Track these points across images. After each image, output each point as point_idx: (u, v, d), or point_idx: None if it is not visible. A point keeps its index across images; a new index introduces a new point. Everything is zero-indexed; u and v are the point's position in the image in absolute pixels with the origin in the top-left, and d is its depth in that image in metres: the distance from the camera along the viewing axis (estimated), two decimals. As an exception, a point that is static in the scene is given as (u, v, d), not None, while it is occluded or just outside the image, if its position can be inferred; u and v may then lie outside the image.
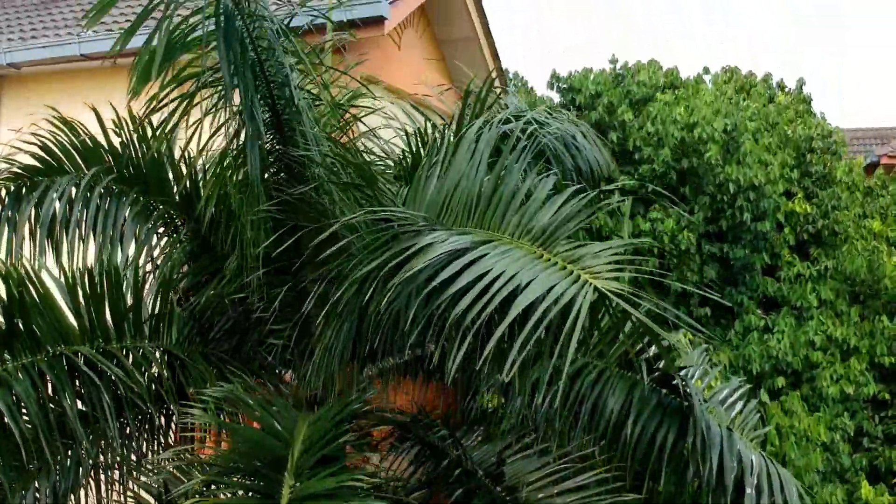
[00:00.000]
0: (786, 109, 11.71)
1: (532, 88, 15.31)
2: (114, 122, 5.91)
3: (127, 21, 8.78)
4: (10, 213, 5.81)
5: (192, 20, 4.60)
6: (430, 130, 6.86)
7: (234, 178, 5.02)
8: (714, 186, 7.56)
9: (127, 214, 5.86)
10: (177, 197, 5.92)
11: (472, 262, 3.69)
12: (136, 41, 8.31)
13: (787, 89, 13.71)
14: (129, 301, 5.20)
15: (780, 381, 7.67)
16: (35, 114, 8.86)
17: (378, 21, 7.28)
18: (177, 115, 5.15)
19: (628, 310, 3.25)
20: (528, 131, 6.85)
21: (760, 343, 7.67)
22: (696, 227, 7.53)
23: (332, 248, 4.55)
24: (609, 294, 3.31)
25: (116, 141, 5.96)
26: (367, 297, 4.10)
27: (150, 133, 5.70)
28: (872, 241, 10.38)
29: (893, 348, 8.42)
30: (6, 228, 5.66)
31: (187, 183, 5.87)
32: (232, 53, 4.30)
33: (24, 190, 5.89)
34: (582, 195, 3.86)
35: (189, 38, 4.66)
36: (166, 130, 5.19)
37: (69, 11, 9.81)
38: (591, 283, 3.37)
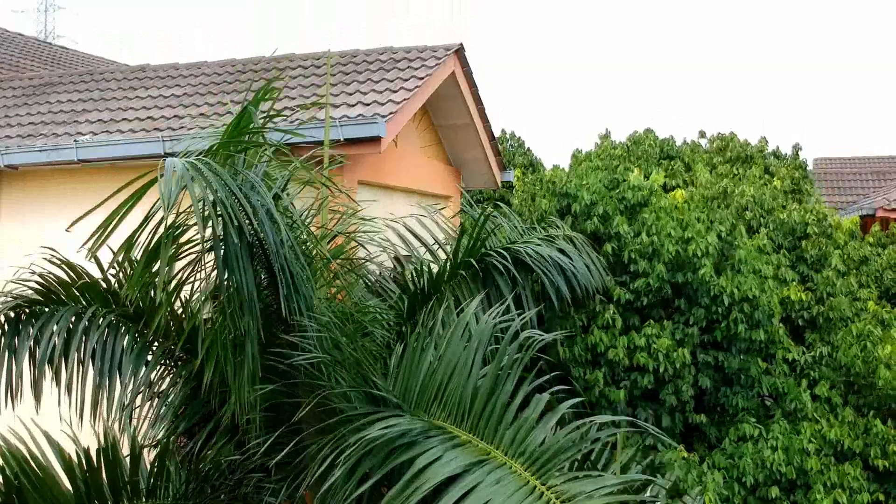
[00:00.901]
0: (782, 187, 11.73)
1: (529, 149, 15.38)
2: (112, 265, 5.93)
3: (123, 120, 8.80)
4: (10, 340, 5.88)
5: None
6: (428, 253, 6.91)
7: (229, 346, 5.04)
8: (708, 298, 7.62)
9: (125, 347, 5.91)
10: (176, 335, 5.94)
11: (467, 493, 3.74)
12: (136, 149, 8.29)
13: (784, 156, 13.79)
14: (126, 464, 5.25)
15: (774, 491, 7.71)
16: (35, 206, 8.91)
17: (375, 140, 7.32)
18: (178, 267, 5.25)
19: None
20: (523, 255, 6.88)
21: (755, 452, 7.72)
22: (692, 339, 7.58)
23: (329, 414, 4.62)
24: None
25: (114, 279, 6.02)
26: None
27: (148, 275, 5.74)
28: (868, 324, 10.42)
29: (887, 450, 8.46)
30: (6, 355, 5.75)
31: (184, 325, 5.90)
32: (229, 268, 4.34)
33: (23, 317, 5.96)
34: (577, 423, 3.89)
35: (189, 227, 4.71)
36: (169, 292, 5.25)
37: (66, 99, 9.82)
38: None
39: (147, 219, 4.18)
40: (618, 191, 8.19)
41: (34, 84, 10.61)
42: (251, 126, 4.63)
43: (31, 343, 5.79)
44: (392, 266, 7.29)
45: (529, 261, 6.63)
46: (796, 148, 13.54)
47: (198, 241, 4.86)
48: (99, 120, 8.94)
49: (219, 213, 4.26)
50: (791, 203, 10.72)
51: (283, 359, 4.98)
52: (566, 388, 5.09)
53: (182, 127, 8.25)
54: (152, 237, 4.40)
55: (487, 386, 4.28)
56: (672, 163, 12.20)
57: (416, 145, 9.61)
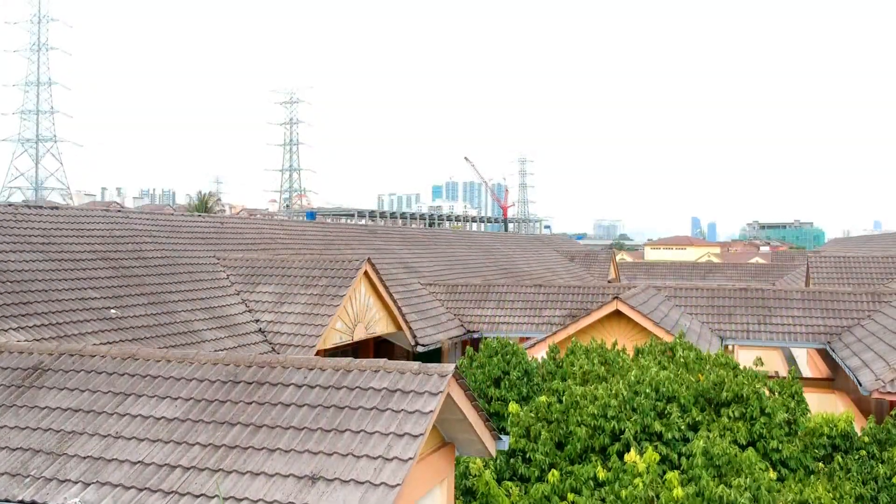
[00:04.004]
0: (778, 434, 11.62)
1: (524, 355, 15.26)
2: None
3: (114, 461, 8.68)
4: None
5: None
6: None
7: None
8: None
9: None
10: None
11: None
12: None
13: (780, 377, 13.73)
14: None
15: None
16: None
17: (368, 551, 7.23)
18: None
19: None
20: None
21: None
22: None
23: None
24: None
25: None
26: None
27: None
28: None
29: None
30: None
31: None
32: None
33: None
34: None
35: None
36: None
37: (55, 405, 9.69)
38: None
39: None
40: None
41: (23, 367, 10.47)
42: None
43: None
44: None
45: None
46: (792, 373, 13.54)
47: None
48: (89, 457, 8.81)
49: None
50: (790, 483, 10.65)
51: None
52: None
53: (173, 491, 8.14)
54: None
55: None
56: (669, 406, 12.15)
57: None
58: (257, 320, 18.13)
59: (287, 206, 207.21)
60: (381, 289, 20.31)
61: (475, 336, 26.32)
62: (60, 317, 13.94)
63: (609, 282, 54.16)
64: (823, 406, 22.53)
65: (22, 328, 12.98)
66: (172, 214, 22.19)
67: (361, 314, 19.51)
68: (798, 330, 23.99)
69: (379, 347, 23.44)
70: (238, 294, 19.08)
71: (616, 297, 20.63)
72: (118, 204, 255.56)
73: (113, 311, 15.15)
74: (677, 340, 16.21)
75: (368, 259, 19.63)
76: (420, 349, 22.43)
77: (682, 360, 13.92)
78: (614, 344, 16.66)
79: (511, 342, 15.42)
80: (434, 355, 25.56)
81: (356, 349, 21.68)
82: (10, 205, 17.07)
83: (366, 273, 19.54)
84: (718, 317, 24.78)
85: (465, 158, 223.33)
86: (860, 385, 17.29)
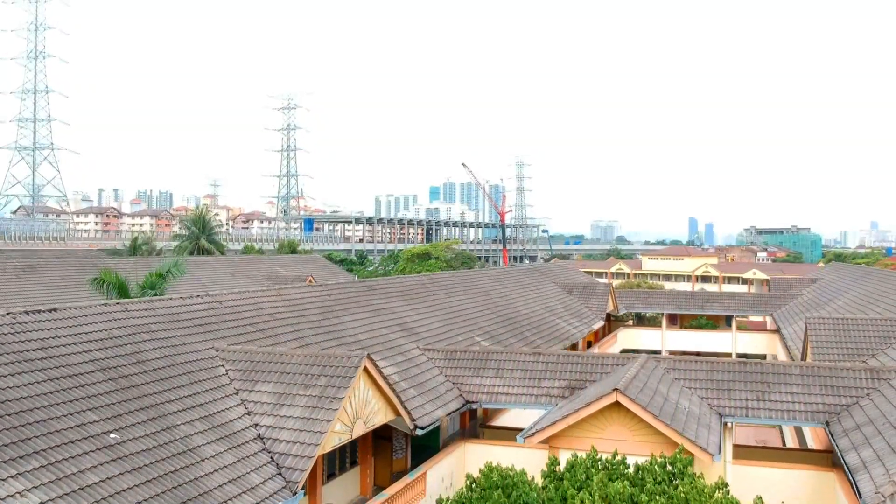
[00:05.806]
0: None
1: (526, 477, 15.18)
2: None
3: None
4: None
5: None
6: None
7: None
8: None
9: None
10: None
11: None
12: None
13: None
14: None
15: None
16: None
17: None
18: None
19: None
20: None
21: None
22: None
23: None
24: None
25: None
26: None
27: None
28: None
29: None
30: None
31: None
32: None
33: None
34: None
35: None
36: None
37: None
38: None
39: None
40: None
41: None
42: None
43: None
44: None
45: None
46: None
47: None
48: None
49: None
50: None
51: None
52: None
53: None
54: None
55: None
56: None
57: None
58: (256, 424, 18.08)
59: (285, 212, 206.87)
60: (381, 381, 20.27)
61: (473, 407, 26.29)
62: (59, 452, 13.88)
63: (608, 314, 54.19)
64: (822, 490, 22.53)
65: (21, 474, 12.92)
66: (171, 299, 22.11)
67: (360, 409, 19.47)
68: (797, 408, 23.96)
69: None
70: (237, 393, 19.03)
71: (615, 389, 20.60)
72: (115, 209, 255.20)
73: (112, 435, 15.10)
74: (677, 456, 16.20)
75: (368, 356, 19.59)
76: (419, 432, 22.40)
77: (682, 495, 13.91)
78: (614, 455, 16.65)
79: (512, 474, 15.41)
80: (433, 429, 25.51)
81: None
82: (8, 313, 17.01)
83: (365, 369, 19.50)
84: (717, 392, 24.76)
85: (463, 164, 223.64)
86: (860, 496, 17.28)
